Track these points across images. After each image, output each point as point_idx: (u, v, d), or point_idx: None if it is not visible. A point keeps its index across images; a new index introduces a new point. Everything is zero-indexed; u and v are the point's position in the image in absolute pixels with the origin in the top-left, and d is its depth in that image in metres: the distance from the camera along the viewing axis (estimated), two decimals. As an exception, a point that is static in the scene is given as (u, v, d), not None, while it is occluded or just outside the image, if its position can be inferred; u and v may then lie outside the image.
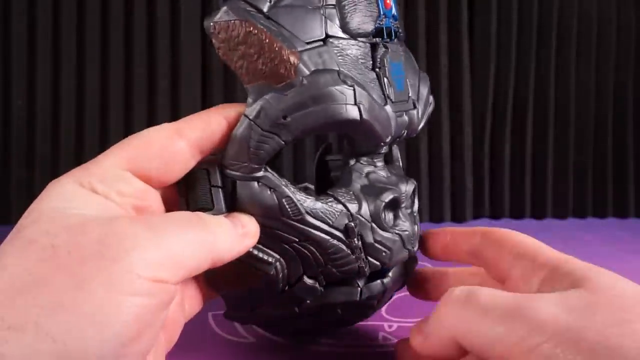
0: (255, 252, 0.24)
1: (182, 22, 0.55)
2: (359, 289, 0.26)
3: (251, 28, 0.23)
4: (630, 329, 0.17)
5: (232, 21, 0.23)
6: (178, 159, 0.22)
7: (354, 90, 0.23)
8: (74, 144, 0.55)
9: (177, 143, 0.22)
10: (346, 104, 0.23)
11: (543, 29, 0.60)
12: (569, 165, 0.61)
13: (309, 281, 0.25)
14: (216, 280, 0.25)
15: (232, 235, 0.22)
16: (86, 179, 0.21)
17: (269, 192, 0.23)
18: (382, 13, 0.27)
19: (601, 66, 0.61)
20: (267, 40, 0.22)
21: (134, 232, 0.19)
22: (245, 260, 0.24)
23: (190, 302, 0.26)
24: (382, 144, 0.26)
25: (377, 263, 0.25)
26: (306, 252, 0.24)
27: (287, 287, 0.25)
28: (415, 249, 0.28)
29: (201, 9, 0.56)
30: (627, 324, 0.17)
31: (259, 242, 0.24)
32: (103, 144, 0.54)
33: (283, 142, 0.23)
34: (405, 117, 0.26)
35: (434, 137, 0.59)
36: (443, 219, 0.59)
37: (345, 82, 0.23)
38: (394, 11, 0.28)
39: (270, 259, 0.24)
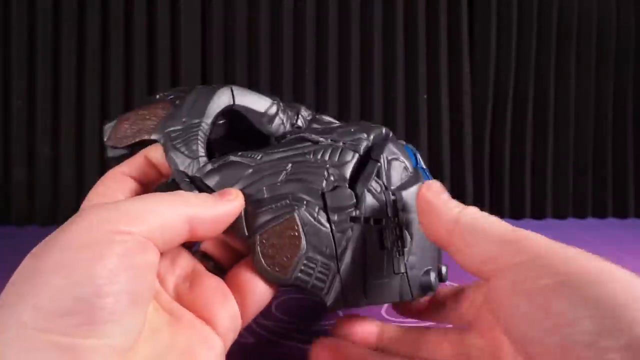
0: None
1: (182, 22, 0.55)
2: None
3: None
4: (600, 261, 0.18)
5: None
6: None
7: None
8: (74, 144, 0.55)
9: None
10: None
11: (543, 29, 0.60)
12: (569, 165, 0.61)
13: None
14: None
15: (208, 198, 0.24)
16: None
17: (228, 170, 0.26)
18: None
19: (601, 66, 0.61)
20: None
21: (100, 206, 0.21)
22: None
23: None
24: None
25: None
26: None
27: None
28: None
29: (201, 9, 0.56)
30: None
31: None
32: (103, 144, 0.54)
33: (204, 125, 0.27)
34: None
35: (434, 137, 0.59)
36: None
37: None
38: None
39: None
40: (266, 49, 0.57)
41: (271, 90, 0.57)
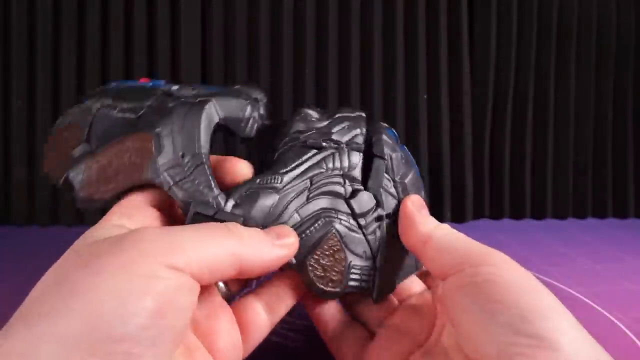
0: None
1: (182, 22, 0.55)
2: None
3: None
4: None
5: None
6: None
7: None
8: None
9: None
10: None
11: (543, 29, 0.60)
12: (569, 165, 0.61)
13: None
14: None
15: (262, 242, 0.23)
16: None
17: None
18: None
19: (601, 66, 0.61)
20: None
21: (150, 232, 0.20)
22: None
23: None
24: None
25: None
26: None
27: None
28: None
29: (201, 9, 0.56)
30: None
31: None
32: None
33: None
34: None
35: (434, 137, 0.59)
36: (443, 219, 0.59)
37: None
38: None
39: None
40: (266, 49, 0.57)
41: (271, 90, 0.57)
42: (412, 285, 0.29)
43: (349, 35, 0.57)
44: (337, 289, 0.26)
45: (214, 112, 0.27)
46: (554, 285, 0.40)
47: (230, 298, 0.27)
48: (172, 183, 0.24)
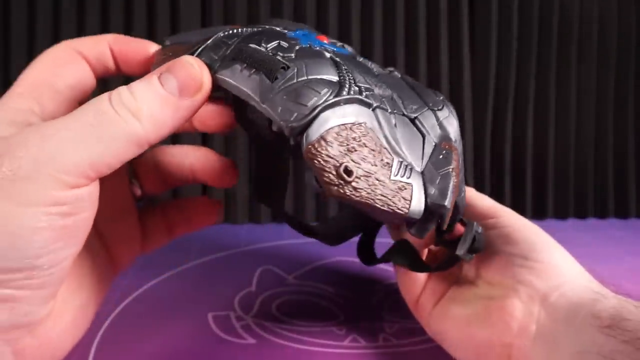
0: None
1: (182, 22, 0.55)
2: None
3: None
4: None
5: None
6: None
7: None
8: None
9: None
10: None
11: (543, 29, 0.59)
12: (569, 165, 0.61)
13: None
14: None
15: (163, 110, 0.20)
16: None
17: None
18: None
19: (602, 66, 0.61)
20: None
21: (34, 138, 0.19)
22: None
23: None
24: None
25: None
26: None
27: None
28: None
29: (201, 8, 0.56)
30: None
31: None
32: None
33: None
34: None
35: (434, 137, 0.59)
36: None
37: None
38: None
39: None
40: (266, 49, 0.57)
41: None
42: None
43: (349, 35, 0.57)
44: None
45: None
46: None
47: (143, 199, 0.28)
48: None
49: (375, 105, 0.22)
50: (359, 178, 0.20)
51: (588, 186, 0.61)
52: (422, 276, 0.31)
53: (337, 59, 0.23)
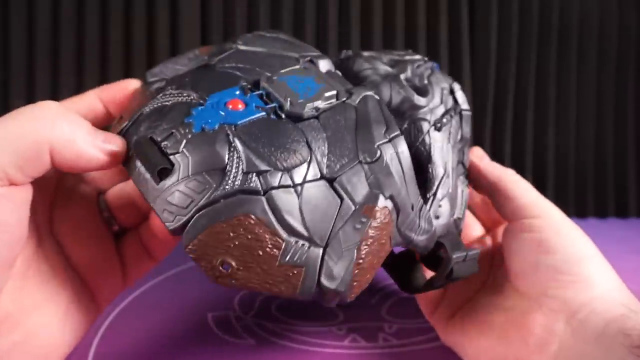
0: None
1: (182, 22, 0.55)
2: None
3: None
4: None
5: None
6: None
7: None
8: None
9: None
10: None
11: (544, 28, 0.59)
12: (569, 165, 0.61)
13: None
14: None
15: (79, 132, 0.22)
16: None
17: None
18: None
19: (602, 66, 0.61)
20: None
21: None
22: None
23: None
24: None
25: None
26: None
27: None
28: None
29: (201, 9, 0.56)
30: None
31: None
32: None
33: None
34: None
35: (434, 137, 0.59)
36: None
37: None
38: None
39: None
40: (266, 49, 0.57)
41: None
42: (474, 229, 0.35)
43: (349, 35, 0.57)
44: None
45: None
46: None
47: (121, 232, 0.29)
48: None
49: (269, 186, 0.21)
50: (240, 270, 0.21)
51: (588, 186, 0.61)
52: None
53: (233, 139, 0.22)
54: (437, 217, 0.27)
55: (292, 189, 0.22)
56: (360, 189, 0.23)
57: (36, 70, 0.54)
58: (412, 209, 0.25)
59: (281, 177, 0.21)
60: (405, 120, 0.28)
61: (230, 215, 0.20)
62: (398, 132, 0.25)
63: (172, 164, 0.21)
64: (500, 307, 0.28)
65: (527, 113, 0.60)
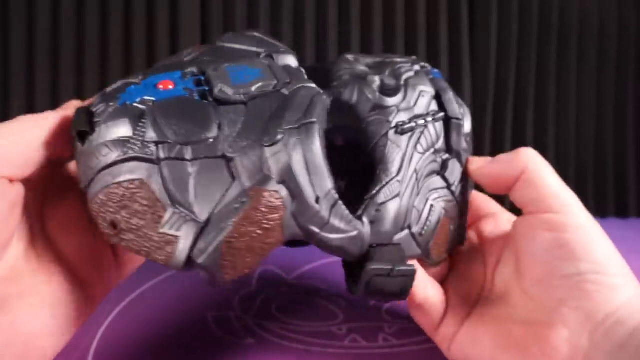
0: None
1: (182, 22, 0.55)
2: None
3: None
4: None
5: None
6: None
7: None
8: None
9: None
10: None
11: (544, 28, 0.59)
12: (570, 165, 0.61)
13: None
14: None
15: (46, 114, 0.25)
16: None
17: None
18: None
19: (602, 66, 0.61)
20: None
21: None
22: None
23: None
24: None
25: None
26: None
27: None
28: None
29: (201, 9, 0.56)
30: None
31: None
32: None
33: None
34: None
35: (434, 137, 0.59)
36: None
37: None
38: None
39: None
40: (266, 49, 0.57)
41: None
42: None
43: (349, 35, 0.57)
44: (444, 255, 0.30)
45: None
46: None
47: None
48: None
49: (164, 157, 0.23)
50: (127, 231, 0.22)
51: (588, 186, 0.61)
52: (439, 300, 0.28)
53: (146, 113, 0.24)
54: (371, 222, 0.26)
55: (186, 162, 0.23)
56: (253, 170, 0.23)
57: (36, 70, 0.54)
58: (317, 201, 0.24)
59: (178, 150, 0.23)
60: (366, 119, 0.28)
61: (124, 179, 0.22)
62: (314, 120, 0.25)
63: (94, 130, 0.23)
64: (516, 319, 0.25)
65: (527, 113, 0.60)
